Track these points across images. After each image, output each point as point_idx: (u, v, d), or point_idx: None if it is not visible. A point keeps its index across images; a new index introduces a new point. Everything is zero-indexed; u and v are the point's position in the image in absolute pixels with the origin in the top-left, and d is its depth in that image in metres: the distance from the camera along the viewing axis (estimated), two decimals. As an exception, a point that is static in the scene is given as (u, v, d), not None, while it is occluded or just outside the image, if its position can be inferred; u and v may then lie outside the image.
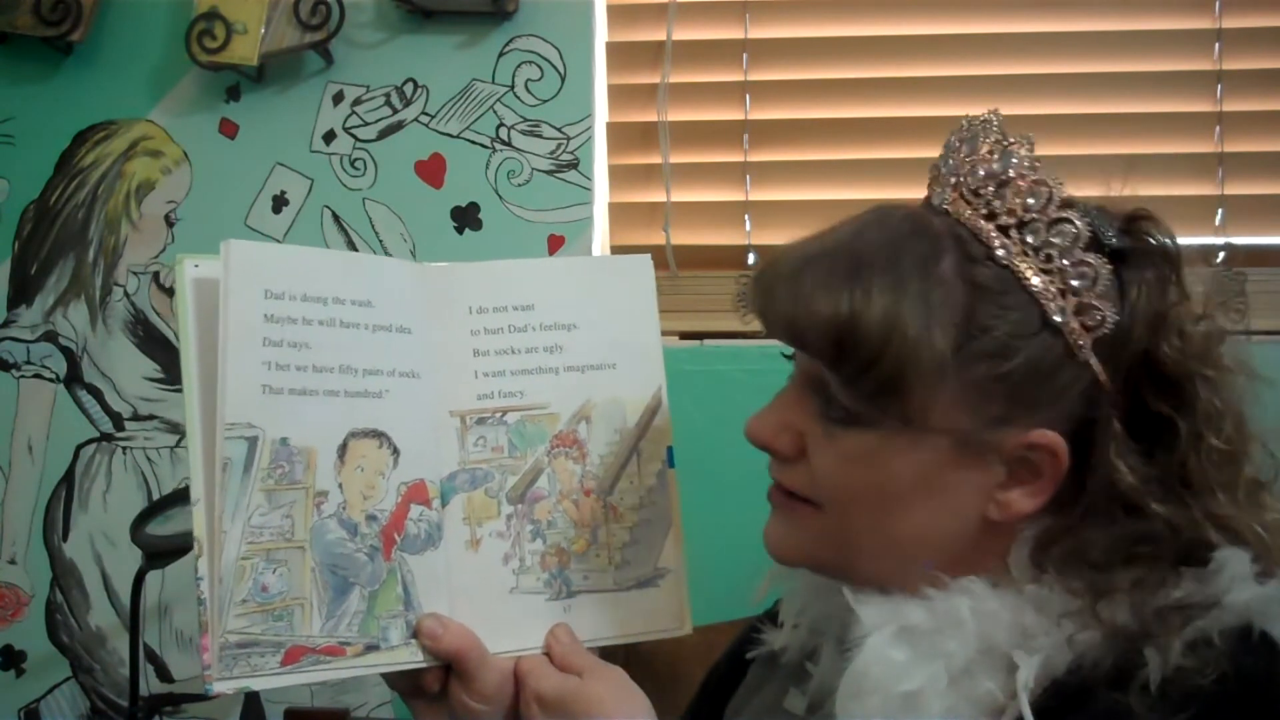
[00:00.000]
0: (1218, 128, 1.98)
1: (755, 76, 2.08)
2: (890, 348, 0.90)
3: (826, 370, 0.95)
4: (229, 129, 2.11)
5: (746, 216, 2.06)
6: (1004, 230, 0.94)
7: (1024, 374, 0.92)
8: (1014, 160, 0.96)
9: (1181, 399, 0.93)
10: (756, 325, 1.01)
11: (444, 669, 1.03)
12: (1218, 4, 1.99)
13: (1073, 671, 0.88)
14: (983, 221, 0.95)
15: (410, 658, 1.01)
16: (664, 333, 1.05)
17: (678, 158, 2.07)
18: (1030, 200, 0.94)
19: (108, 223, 2.12)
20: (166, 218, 2.11)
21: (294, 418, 0.98)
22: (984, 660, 0.90)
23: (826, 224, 1.04)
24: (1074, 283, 0.92)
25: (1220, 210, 1.95)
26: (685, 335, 2.04)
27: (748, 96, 2.08)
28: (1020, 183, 0.95)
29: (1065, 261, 0.93)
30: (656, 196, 2.07)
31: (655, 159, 2.07)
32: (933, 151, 1.08)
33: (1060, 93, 2.00)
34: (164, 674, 2.10)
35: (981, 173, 0.96)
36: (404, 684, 1.06)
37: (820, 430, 0.98)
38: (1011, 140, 0.97)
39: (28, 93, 2.13)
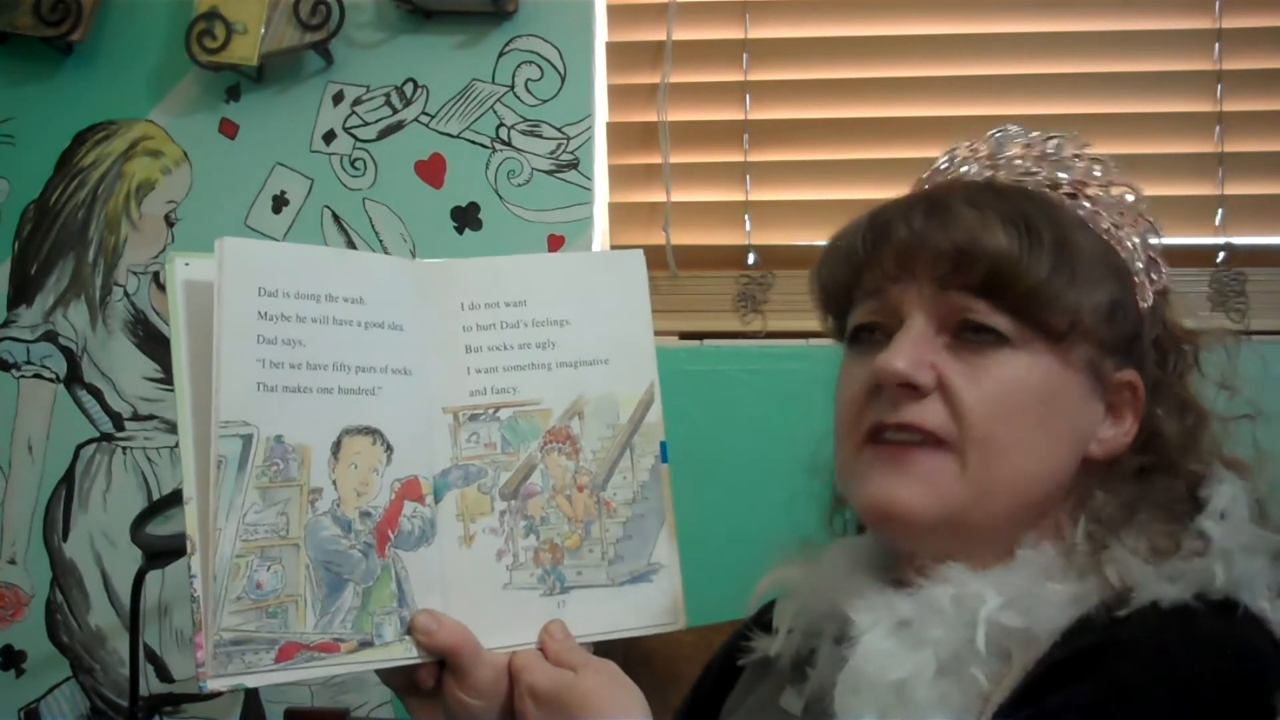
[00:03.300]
0: (1218, 128, 1.98)
1: (755, 76, 2.08)
2: (1059, 270, 0.96)
3: (975, 298, 0.97)
4: (229, 129, 2.12)
5: (746, 216, 2.06)
6: (1079, 195, 1.03)
7: (1123, 309, 1.00)
8: (1062, 141, 1.05)
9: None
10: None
11: (438, 665, 1.03)
12: (1218, 4, 1.99)
13: (1059, 645, 0.89)
14: (1048, 190, 1.02)
15: (404, 654, 1.01)
16: (664, 333, 1.05)
17: (678, 158, 2.07)
18: (1096, 172, 1.03)
19: (108, 223, 2.12)
20: (166, 218, 2.12)
21: (288, 415, 0.98)
22: (973, 645, 0.91)
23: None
24: (1151, 240, 1.03)
25: (1220, 210, 1.94)
26: (685, 335, 2.03)
27: (748, 96, 2.08)
28: (1079, 162, 1.03)
29: (1134, 221, 1.02)
30: (656, 196, 2.07)
31: (655, 159, 2.07)
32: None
33: (1060, 93, 2.00)
34: (164, 674, 2.10)
35: (1027, 159, 1.04)
36: (398, 680, 1.06)
37: (958, 361, 0.98)
38: (1051, 135, 1.05)
39: (28, 93, 2.14)
